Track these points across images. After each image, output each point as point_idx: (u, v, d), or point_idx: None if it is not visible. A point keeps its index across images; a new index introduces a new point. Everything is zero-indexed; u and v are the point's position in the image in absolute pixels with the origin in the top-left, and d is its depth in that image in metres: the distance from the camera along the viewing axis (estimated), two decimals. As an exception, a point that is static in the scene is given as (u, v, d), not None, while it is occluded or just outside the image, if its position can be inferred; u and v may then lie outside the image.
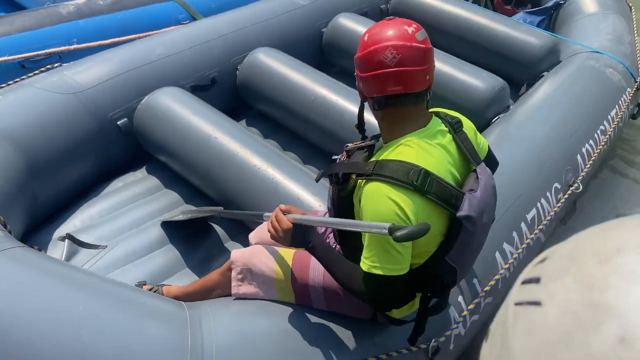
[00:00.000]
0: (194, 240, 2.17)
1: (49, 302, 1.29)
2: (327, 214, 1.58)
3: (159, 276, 1.97)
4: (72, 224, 2.14)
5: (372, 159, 1.31)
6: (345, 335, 1.50)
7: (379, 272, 1.21)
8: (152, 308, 1.41)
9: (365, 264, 1.22)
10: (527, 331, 0.36)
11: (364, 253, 1.23)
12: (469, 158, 1.36)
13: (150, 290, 1.80)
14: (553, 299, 0.36)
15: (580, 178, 2.38)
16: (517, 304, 0.37)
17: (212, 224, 2.28)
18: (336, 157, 1.47)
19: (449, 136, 1.33)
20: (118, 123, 2.37)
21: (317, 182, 1.56)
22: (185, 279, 1.96)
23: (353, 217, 1.36)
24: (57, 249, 1.98)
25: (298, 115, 2.69)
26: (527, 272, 0.40)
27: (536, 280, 0.38)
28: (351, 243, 1.40)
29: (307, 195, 2.01)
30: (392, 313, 1.47)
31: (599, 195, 2.92)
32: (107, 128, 2.34)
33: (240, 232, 2.19)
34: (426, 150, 1.26)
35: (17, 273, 1.34)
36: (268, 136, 2.82)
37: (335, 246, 1.59)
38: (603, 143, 2.60)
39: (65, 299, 1.31)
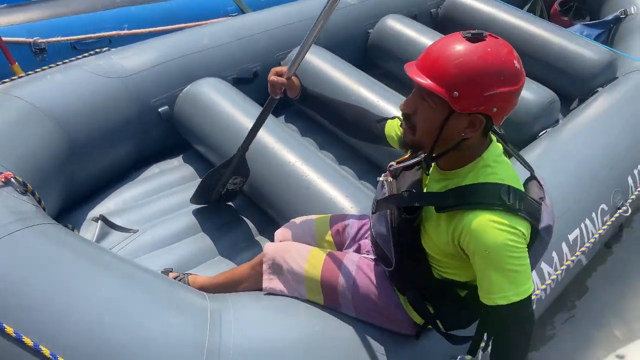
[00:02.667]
0: (223, 231, 2.16)
1: (73, 281, 1.29)
2: (369, 222, 1.54)
3: (186, 264, 1.97)
4: (106, 206, 2.18)
5: (444, 186, 1.23)
6: (370, 345, 1.44)
7: (527, 293, 1.14)
8: (174, 297, 1.40)
9: (510, 294, 1.12)
10: None
11: (495, 285, 1.13)
12: (524, 165, 1.31)
13: (175, 278, 1.80)
14: None
15: (629, 201, 2.25)
16: None
17: (243, 217, 2.27)
18: (381, 178, 1.39)
19: (500, 146, 1.27)
20: (159, 110, 2.40)
21: (373, 213, 1.41)
22: (211, 269, 1.96)
23: (416, 245, 1.30)
24: (90, 230, 2.01)
25: (338, 115, 2.65)
26: None
27: None
28: (410, 242, 1.31)
29: (340, 197, 1.97)
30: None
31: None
32: (148, 114, 2.37)
33: (271, 227, 2.17)
34: (504, 166, 1.21)
35: (44, 249, 1.35)
36: (305, 134, 2.79)
37: (370, 252, 1.54)
38: (658, 166, 2.45)
39: (89, 280, 1.32)
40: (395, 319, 1.46)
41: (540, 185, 1.29)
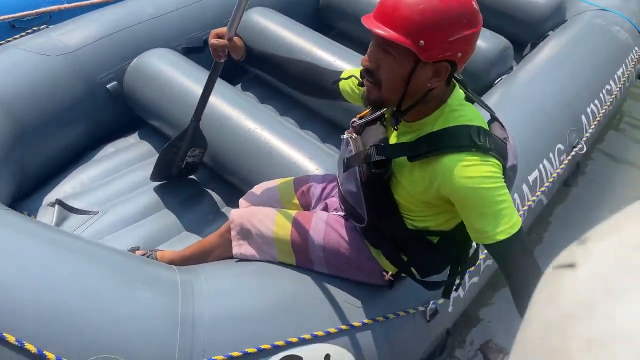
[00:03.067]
0: (188, 205, 2.12)
1: (32, 265, 1.24)
2: (337, 183, 1.52)
3: (153, 242, 1.93)
4: (63, 190, 2.10)
5: (413, 137, 1.21)
6: (344, 299, 1.47)
7: (520, 222, 1.13)
8: (141, 272, 1.37)
9: (503, 232, 1.11)
10: (548, 299, 0.30)
11: (487, 225, 1.12)
12: (485, 108, 1.33)
13: (143, 255, 1.76)
14: (588, 261, 0.30)
15: (584, 139, 2.31)
16: (554, 267, 0.31)
17: (207, 189, 2.23)
18: (345, 136, 1.36)
19: (461, 92, 1.26)
20: (107, 86, 2.29)
21: (344, 171, 1.37)
22: (180, 244, 1.92)
23: (388, 198, 1.29)
24: (47, 215, 1.94)
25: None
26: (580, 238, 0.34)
27: (582, 242, 0.32)
28: (382, 196, 1.29)
29: (303, 159, 1.95)
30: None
31: (604, 158, 2.86)
32: (96, 91, 2.26)
33: (237, 197, 2.13)
34: (469, 108, 1.21)
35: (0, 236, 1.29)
36: (264, 101, 2.74)
37: (339, 209, 1.54)
38: (609, 103, 2.52)
39: (50, 262, 1.27)
40: (368, 270, 1.48)
41: (502, 125, 1.30)
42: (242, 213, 1.59)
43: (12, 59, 2.10)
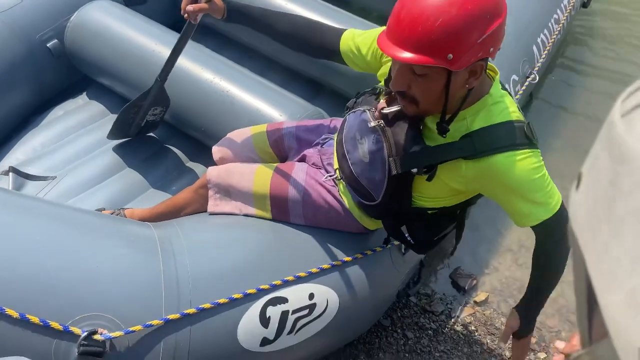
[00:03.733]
0: (151, 162, 2.06)
1: (4, 233, 1.19)
2: (333, 150, 1.49)
3: (119, 201, 1.87)
4: (14, 157, 1.99)
5: (452, 130, 1.17)
6: (324, 242, 1.50)
7: (561, 201, 1.18)
8: (116, 230, 1.34)
9: (550, 208, 1.16)
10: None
11: (536, 208, 1.16)
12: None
13: (111, 214, 1.71)
14: None
15: (536, 69, 2.37)
16: (623, 115, 0.30)
17: (169, 146, 2.17)
18: (372, 124, 1.24)
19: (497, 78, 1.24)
20: (48, 45, 2.15)
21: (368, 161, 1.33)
22: (147, 203, 1.88)
23: (410, 188, 1.30)
24: (2, 184, 1.83)
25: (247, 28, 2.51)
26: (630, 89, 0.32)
27: None
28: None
29: (266, 107, 1.91)
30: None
31: (554, 89, 2.96)
32: (36, 51, 2.12)
33: (201, 152, 2.10)
34: (509, 99, 1.20)
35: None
36: (217, 52, 2.64)
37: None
38: (557, 32, 2.59)
39: (22, 228, 1.21)
40: (345, 222, 1.51)
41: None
42: (219, 171, 1.55)
43: (-63, 19, 1.92)
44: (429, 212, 1.38)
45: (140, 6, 2.43)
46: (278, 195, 1.49)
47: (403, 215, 1.40)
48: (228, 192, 1.52)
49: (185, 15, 1.37)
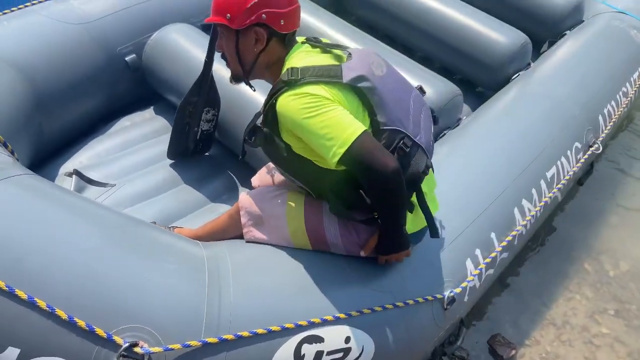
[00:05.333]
0: (204, 182, 2.11)
1: (61, 231, 1.23)
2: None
3: (169, 218, 1.92)
4: (79, 160, 2.08)
5: None
6: (366, 282, 1.47)
7: (353, 138, 1.21)
8: (169, 244, 1.37)
9: (335, 149, 1.21)
10: None
11: (325, 150, 1.23)
12: (334, 46, 1.40)
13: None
14: None
15: (600, 139, 2.32)
16: None
17: (222, 168, 2.22)
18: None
19: (306, 45, 1.40)
20: (126, 59, 2.27)
21: (242, 157, 1.62)
22: (195, 221, 1.91)
23: (290, 155, 1.37)
24: (65, 185, 1.92)
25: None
26: None
27: None
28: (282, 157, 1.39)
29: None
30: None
31: (615, 159, 2.87)
32: (115, 63, 2.24)
33: (252, 175, 2.12)
34: (297, 55, 1.36)
35: (28, 201, 1.28)
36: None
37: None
38: (624, 105, 2.54)
39: (79, 230, 1.26)
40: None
41: (349, 54, 1.37)
42: (251, 197, 1.56)
43: (31, 24, 2.07)
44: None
45: (215, 32, 2.55)
46: (312, 223, 1.48)
47: (339, 188, 1.39)
48: (260, 218, 1.52)
49: None
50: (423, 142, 1.38)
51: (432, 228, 1.46)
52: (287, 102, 1.25)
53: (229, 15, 1.30)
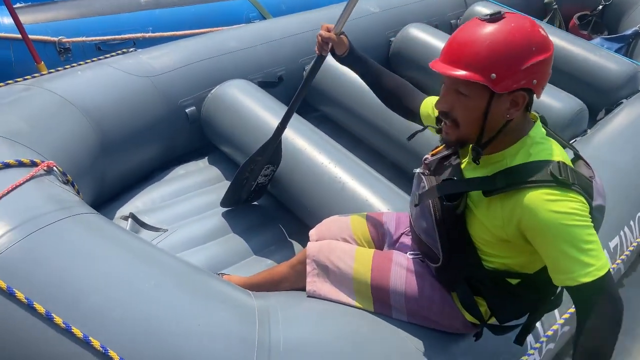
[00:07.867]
0: (253, 232, 2.12)
1: (121, 272, 1.24)
2: (410, 223, 1.48)
3: (218, 265, 1.92)
4: (134, 205, 2.13)
5: (490, 170, 1.18)
6: (424, 352, 1.38)
7: (609, 264, 1.08)
8: (221, 292, 1.35)
9: (588, 274, 1.05)
10: None
11: (574, 265, 1.06)
12: (567, 146, 1.29)
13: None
14: None
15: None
16: None
17: (272, 219, 2.23)
18: (417, 171, 1.36)
19: (542, 127, 1.24)
20: (186, 110, 2.36)
21: (416, 205, 1.35)
22: (243, 270, 1.91)
23: (463, 234, 1.25)
24: (120, 227, 1.96)
25: (363, 120, 2.64)
26: None
27: None
28: (456, 231, 1.25)
29: (374, 198, 1.93)
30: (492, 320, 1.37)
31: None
32: (175, 114, 2.33)
33: (301, 231, 2.12)
34: (553, 143, 1.19)
35: (89, 238, 1.30)
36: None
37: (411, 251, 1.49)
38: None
39: (138, 271, 1.26)
40: (450, 319, 1.41)
41: (587, 164, 1.25)
42: (321, 247, 1.53)
43: (104, 75, 2.19)
44: (508, 279, 1.27)
45: (271, 88, 2.65)
46: (379, 284, 1.42)
47: (477, 281, 1.30)
48: (327, 270, 1.48)
49: (317, 45, 1.61)
50: None
51: (523, 336, 1.37)
52: (550, 202, 1.07)
53: (494, 75, 1.07)
